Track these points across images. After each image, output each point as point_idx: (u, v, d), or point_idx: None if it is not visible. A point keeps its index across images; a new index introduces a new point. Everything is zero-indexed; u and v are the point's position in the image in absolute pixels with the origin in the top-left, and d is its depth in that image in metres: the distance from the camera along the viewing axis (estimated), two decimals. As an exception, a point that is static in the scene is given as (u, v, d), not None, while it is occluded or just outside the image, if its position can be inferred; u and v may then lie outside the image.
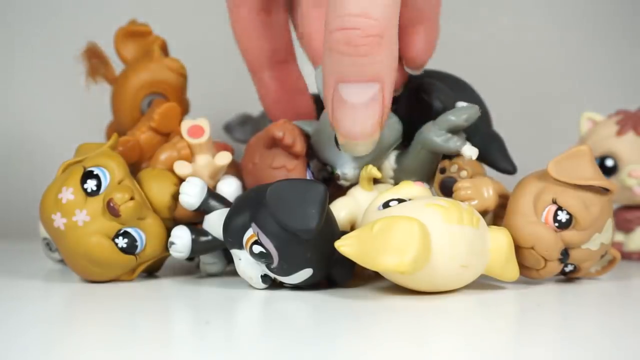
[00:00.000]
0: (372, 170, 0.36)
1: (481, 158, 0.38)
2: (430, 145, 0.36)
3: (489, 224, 0.34)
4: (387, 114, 0.33)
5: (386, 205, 0.32)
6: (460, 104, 0.37)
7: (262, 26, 0.39)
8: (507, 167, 0.41)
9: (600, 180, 0.33)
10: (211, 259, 0.38)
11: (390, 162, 0.38)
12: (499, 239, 0.32)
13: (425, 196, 0.34)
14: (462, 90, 0.41)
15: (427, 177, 0.37)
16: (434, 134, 0.36)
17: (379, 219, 0.30)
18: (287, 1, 0.41)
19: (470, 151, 0.36)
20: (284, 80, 0.41)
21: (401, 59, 0.38)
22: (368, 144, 0.33)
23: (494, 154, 0.41)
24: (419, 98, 0.39)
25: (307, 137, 0.38)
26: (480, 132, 0.40)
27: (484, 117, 0.41)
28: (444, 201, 0.32)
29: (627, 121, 0.48)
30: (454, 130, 0.36)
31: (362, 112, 0.32)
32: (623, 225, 0.48)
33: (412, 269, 0.28)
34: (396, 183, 0.36)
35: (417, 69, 0.39)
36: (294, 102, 0.43)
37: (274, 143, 0.37)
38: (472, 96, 0.41)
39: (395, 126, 0.37)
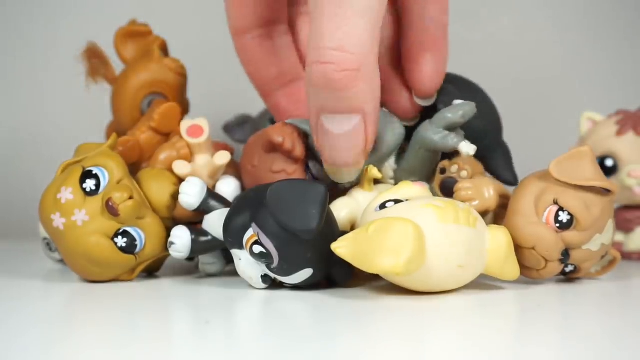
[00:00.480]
0: (373, 171, 0.36)
1: (485, 164, 0.38)
2: (429, 144, 0.36)
3: (489, 224, 0.34)
4: (372, 143, 0.33)
5: (383, 206, 0.32)
6: (457, 101, 0.37)
7: (266, 52, 0.39)
8: (508, 177, 0.41)
9: (602, 181, 0.33)
10: (210, 259, 0.38)
11: (390, 162, 0.38)
12: (498, 238, 0.32)
13: (423, 196, 0.34)
14: (472, 93, 0.40)
15: (427, 177, 0.37)
16: (432, 132, 0.36)
17: (374, 220, 0.30)
18: (288, 23, 0.40)
19: (467, 148, 0.36)
20: (296, 98, 0.40)
21: (411, 89, 0.38)
22: (352, 172, 0.34)
23: (498, 162, 0.40)
24: None
25: (306, 137, 0.38)
26: (489, 138, 0.40)
27: (495, 124, 0.41)
28: (440, 201, 0.32)
29: (627, 121, 0.48)
30: (451, 128, 0.36)
31: (344, 142, 0.32)
32: (623, 225, 0.48)
33: (407, 271, 0.28)
34: (396, 183, 0.37)
35: (426, 98, 0.38)
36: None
37: (274, 147, 0.37)
38: (483, 100, 0.40)
39: (397, 130, 0.37)
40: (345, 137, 0.32)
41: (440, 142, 0.36)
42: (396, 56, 0.39)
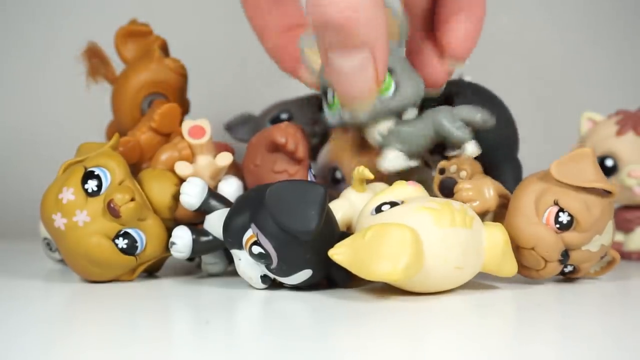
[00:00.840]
0: (364, 172, 0.36)
1: (493, 174, 0.38)
2: (439, 126, 0.36)
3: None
4: (383, 74, 0.33)
5: (379, 209, 0.32)
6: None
7: None
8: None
9: (602, 183, 0.33)
10: (212, 259, 0.38)
11: (388, 122, 0.37)
12: (494, 236, 0.32)
13: (418, 197, 0.34)
14: (492, 104, 0.40)
15: (412, 155, 0.38)
16: (450, 118, 0.36)
17: (370, 226, 0.30)
18: None
19: (473, 148, 0.36)
20: (296, 41, 0.40)
21: (443, 51, 0.37)
22: (365, 103, 0.35)
23: (507, 178, 0.40)
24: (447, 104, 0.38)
25: (309, 139, 0.38)
26: (501, 152, 0.40)
27: (509, 139, 0.41)
28: (435, 203, 0.31)
29: (627, 121, 0.48)
30: (466, 125, 0.36)
31: (354, 77, 0.33)
32: (623, 225, 0.48)
33: (405, 277, 0.28)
34: (384, 146, 0.37)
35: (458, 60, 0.37)
36: None
37: (277, 147, 0.37)
38: (502, 113, 0.40)
39: (419, 86, 0.37)
40: (354, 72, 0.33)
41: (455, 130, 0.36)
42: (429, 22, 0.38)
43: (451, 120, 0.36)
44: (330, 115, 0.38)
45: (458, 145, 0.37)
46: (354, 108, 0.35)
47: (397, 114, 0.37)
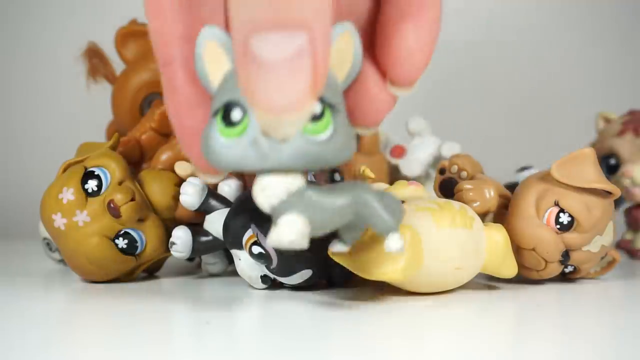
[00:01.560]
0: (365, 171, 0.35)
1: None
2: (364, 204, 0.26)
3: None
4: (323, 76, 0.23)
5: None
6: None
7: (183, 2, 0.26)
8: None
9: (603, 184, 0.33)
10: (212, 259, 0.38)
11: (295, 182, 0.25)
12: (494, 237, 0.32)
13: (419, 197, 0.34)
14: None
15: (316, 230, 0.26)
16: (375, 195, 0.27)
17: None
18: None
19: (397, 243, 0.27)
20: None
21: (384, 75, 0.26)
22: (296, 119, 0.23)
23: None
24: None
25: None
26: None
27: None
28: (436, 203, 0.31)
29: (629, 122, 0.49)
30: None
31: (283, 72, 0.22)
32: (632, 224, 0.50)
33: (404, 277, 0.28)
34: (275, 213, 0.25)
35: (402, 85, 0.26)
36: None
37: None
38: None
39: (353, 137, 0.26)
40: (284, 64, 0.22)
41: (384, 213, 0.26)
42: (367, 35, 0.27)
43: (379, 201, 0.26)
44: (229, 147, 0.24)
45: (380, 232, 0.27)
46: (279, 126, 0.23)
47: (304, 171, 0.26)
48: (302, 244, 0.25)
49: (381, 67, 0.26)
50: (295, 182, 0.25)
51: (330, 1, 0.23)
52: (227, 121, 0.24)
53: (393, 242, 0.26)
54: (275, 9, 0.22)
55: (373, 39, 0.27)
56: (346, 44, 0.25)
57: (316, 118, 0.24)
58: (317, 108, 0.24)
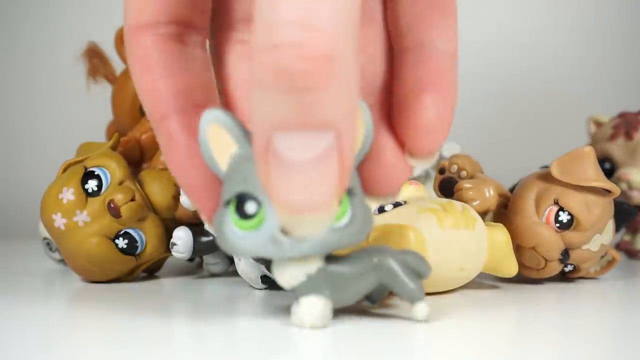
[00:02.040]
0: None
1: None
2: (388, 273, 0.26)
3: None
4: (348, 175, 0.22)
5: (381, 209, 0.32)
6: None
7: (173, 57, 0.26)
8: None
9: (603, 182, 0.33)
10: (214, 259, 0.38)
11: (314, 264, 0.25)
12: (495, 237, 0.32)
13: (421, 197, 0.34)
14: None
15: (339, 303, 0.26)
16: (398, 261, 0.26)
17: (373, 227, 0.30)
18: (208, 39, 0.28)
19: (424, 312, 0.26)
20: (194, 129, 0.26)
21: (402, 145, 0.26)
22: (321, 220, 0.22)
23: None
24: None
25: None
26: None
27: None
28: (438, 204, 0.31)
29: (619, 126, 0.49)
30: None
31: (310, 174, 0.21)
32: (631, 225, 0.50)
33: None
34: (299, 296, 0.26)
35: (422, 157, 0.26)
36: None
37: None
38: None
39: (371, 214, 0.26)
40: (311, 165, 0.21)
41: (409, 282, 0.26)
42: (384, 105, 0.27)
43: (403, 267, 0.26)
44: (246, 238, 0.24)
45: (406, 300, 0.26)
46: (301, 226, 0.22)
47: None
48: (325, 324, 0.25)
49: (399, 138, 0.26)
50: (314, 264, 0.25)
51: (357, 95, 0.22)
52: (242, 213, 0.24)
53: (420, 311, 0.26)
54: (302, 108, 0.21)
55: (389, 110, 0.26)
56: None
57: None
58: None
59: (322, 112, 0.21)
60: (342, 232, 0.24)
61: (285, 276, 0.25)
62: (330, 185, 0.22)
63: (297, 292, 0.25)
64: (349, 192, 0.24)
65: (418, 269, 0.26)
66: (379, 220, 0.32)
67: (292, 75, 0.20)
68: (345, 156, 0.22)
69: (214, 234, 0.33)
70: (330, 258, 0.25)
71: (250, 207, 0.24)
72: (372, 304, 0.28)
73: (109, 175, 0.35)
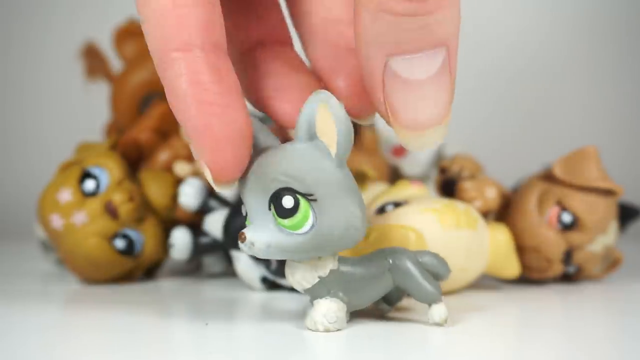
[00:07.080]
0: (367, 171, 0.35)
1: None
2: (404, 274, 0.25)
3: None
4: (454, 87, 0.23)
5: (382, 209, 0.32)
6: None
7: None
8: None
9: (606, 182, 0.33)
10: (213, 260, 0.38)
11: (328, 264, 0.25)
12: (497, 237, 0.32)
13: (422, 197, 0.33)
14: None
15: (354, 307, 0.26)
16: (414, 262, 0.26)
17: (374, 227, 0.30)
18: None
19: (442, 313, 0.25)
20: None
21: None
22: (437, 133, 0.23)
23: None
24: None
25: None
26: None
27: None
28: (439, 204, 0.31)
29: None
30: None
31: (429, 91, 0.23)
32: None
33: None
34: (312, 300, 0.26)
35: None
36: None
37: None
38: None
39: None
40: (432, 82, 0.22)
41: (427, 284, 0.25)
42: None
43: (419, 269, 0.25)
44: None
45: (423, 302, 0.26)
46: (421, 142, 0.23)
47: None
48: (340, 327, 0.25)
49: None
50: (327, 266, 0.24)
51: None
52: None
53: (437, 313, 0.25)
54: (423, 27, 0.22)
55: None
56: (325, 116, 0.23)
57: (289, 213, 0.23)
58: (288, 203, 0.23)
59: (439, 32, 0.22)
60: (302, 237, 0.23)
61: (297, 278, 0.25)
62: (448, 97, 0.23)
63: (310, 295, 0.25)
64: (311, 199, 0.23)
65: (436, 270, 0.26)
66: (380, 220, 0.31)
67: (418, 1, 0.21)
68: (454, 68, 0.23)
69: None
70: (344, 259, 0.25)
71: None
72: (389, 306, 0.27)
73: (107, 175, 0.35)
